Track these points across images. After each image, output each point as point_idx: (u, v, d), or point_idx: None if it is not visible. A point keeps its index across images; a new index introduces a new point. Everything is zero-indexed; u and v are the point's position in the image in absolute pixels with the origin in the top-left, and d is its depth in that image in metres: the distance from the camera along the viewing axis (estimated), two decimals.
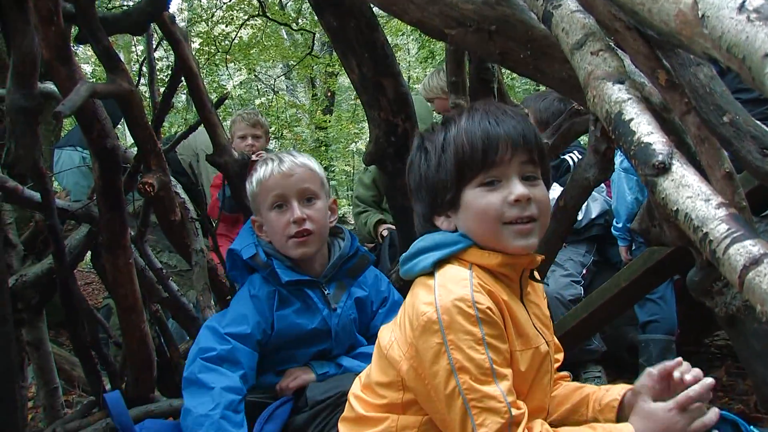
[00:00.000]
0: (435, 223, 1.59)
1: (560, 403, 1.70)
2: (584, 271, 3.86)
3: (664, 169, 1.14)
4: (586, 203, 3.93)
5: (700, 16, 1.10)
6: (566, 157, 4.05)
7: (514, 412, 1.37)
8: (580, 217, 3.95)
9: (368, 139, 2.59)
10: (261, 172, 2.16)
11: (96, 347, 3.05)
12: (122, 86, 2.38)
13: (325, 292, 2.15)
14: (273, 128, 15.67)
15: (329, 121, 15.90)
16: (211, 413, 1.89)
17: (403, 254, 1.61)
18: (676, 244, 1.86)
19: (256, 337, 2.08)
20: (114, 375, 3.11)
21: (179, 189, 2.95)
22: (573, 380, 1.82)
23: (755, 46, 0.98)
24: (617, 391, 1.63)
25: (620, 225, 3.67)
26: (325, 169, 16.48)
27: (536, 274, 1.68)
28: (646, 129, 1.20)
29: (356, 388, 1.65)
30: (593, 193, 3.96)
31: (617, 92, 1.29)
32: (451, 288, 1.45)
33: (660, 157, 1.15)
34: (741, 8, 1.02)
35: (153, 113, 2.83)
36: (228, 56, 13.70)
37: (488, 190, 1.49)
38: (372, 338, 2.14)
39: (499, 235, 1.50)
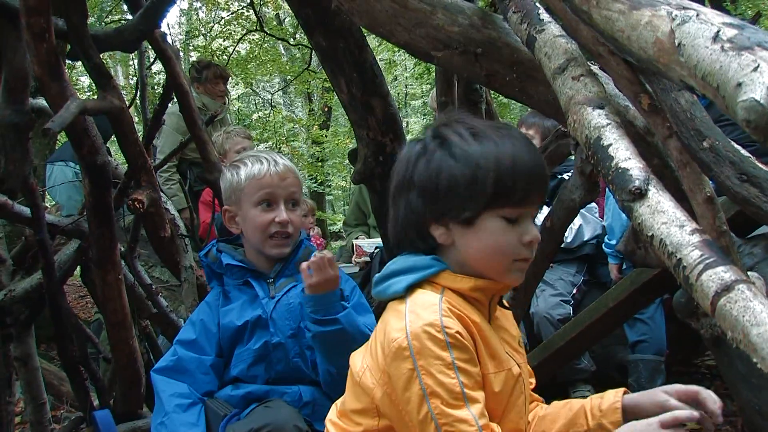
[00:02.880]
0: (429, 229, 1.52)
1: (553, 421, 1.68)
2: (574, 291, 3.87)
3: (641, 194, 1.15)
4: (579, 224, 3.95)
5: (676, 44, 1.12)
6: (565, 176, 4.05)
7: None
8: (570, 238, 3.96)
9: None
10: (254, 168, 2.18)
11: (84, 362, 3.05)
12: (113, 103, 2.40)
13: (272, 285, 2.19)
14: (270, 142, 15.72)
15: (326, 136, 15.93)
16: (164, 420, 2.01)
17: (377, 275, 1.61)
18: (661, 266, 1.87)
19: (203, 341, 2.13)
20: (102, 390, 3.12)
21: (169, 205, 2.96)
22: (562, 399, 1.82)
23: (728, 75, 1.00)
24: (612, 394, 1.59)
25: (613, 242, 3.67)
26: (321, 183, 16.60)
27: (504, 302, 1.67)
28: (623, 154, 1.22)
29: (332, 414, 1.64)
30: (587, 215, 3.98)
31: (597, 117, 1.31)
32: (420, 313, 1.44)
33: (636, 183, 1.16)
34: (715, 38, 1.04)
35: (144, 130, 2.84)
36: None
37: (508, 224, 1.47)
38: None
39: (505, 270, 1.50)
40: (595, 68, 1.73)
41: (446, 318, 1.42)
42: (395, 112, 2.49)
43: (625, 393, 1.59)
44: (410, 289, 1.52)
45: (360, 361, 1.56)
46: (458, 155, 1.45)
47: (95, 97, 2.57)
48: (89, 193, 2.55)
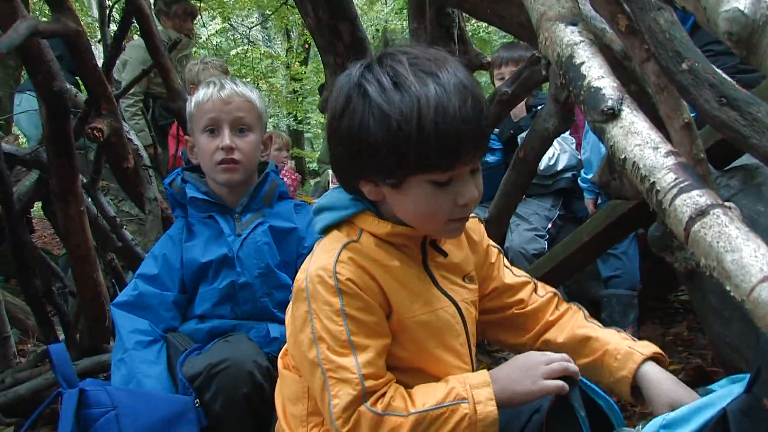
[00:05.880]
0: (359, 185, 1.43)
1: (574, 354, 1.55)
2: (549, 225, 3.81)
3: (613, 115, 1.08)
4: (555, 153, 3.89)
5: None
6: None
7: (368, 384, 1.33)
8: (543, 165, 3.88)
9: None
10: (201, 94, 2.11)
11: (49, 297, 2.99)
12: (68, 26, 2.28)
13: (238, 221, 2.12)
14: (248, 79, 15.47)
15: (305, 73, 15.67)
16: (123, 356, 1.97)
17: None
18: (637, 197, 1.82)
19: (165, 277, 2.08)
20: (68, 325, 3.06)
21: (132, 135, 2.86)
22: None
23: None
24: (629, 365, 1.52)
25: (590, 176, 3.61)
26: (301, 121, 16.43)
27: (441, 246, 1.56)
28: (596, 73, 1.15)
29: (282, 350, 1.63)
30: (563, 144, 3.92)
31: (569, 34, 1.23)
32: (319, 257, 1.41)
33: (609, 103, 1.09)
34: None
35: (105, 56, 2.72)
36: (201, 3, 13.40)
37: (438, 188, 1.35)
38: None
39: (439, 229, 1.44)
40: None
41: (341, 263, 1.39)
42: (363, 36, 2.39)
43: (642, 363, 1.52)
44: (327, 229, 1.49)
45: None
46: (376, 113, 1.30)
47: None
48: (47, 122, 2.44)
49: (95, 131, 2.44)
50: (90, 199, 2.84)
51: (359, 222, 1.46)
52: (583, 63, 1.17)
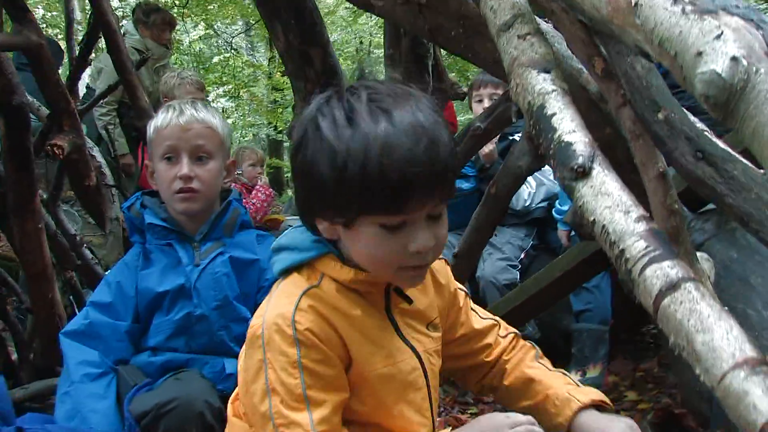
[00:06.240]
0: (315, 222, 1.34)
1: (518, 396, 1.58)
2: (522, 255, 3.77)
3: (584, 173, 1.02)
4: (531, 193, 3.86)
5: (633, 3, 0.99)
6: (516, 137, 3.92)
7: None
8: (528, 202, 3.87)
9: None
10: (160, 119, 2.03)
11: (1, 313, 2.89)
12: (30, 39, 2.20)
13: (197, 250, 2.03)
14: (230, 87, 15.37)
15: (287, 83, 15.60)
16: (69, 390, 1.89)
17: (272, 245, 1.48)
18: None
19: (119, 305, 1.99)
20: (22, 343, 2.96)
21: (96, 152, 2.77)
22: None
23: (688, 42, 0.87)
24: (565, 412, 1.48)
25: (565, 208, 3.57)
26: (281, 131, 16.36)
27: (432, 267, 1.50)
28: (568, 126, 1.09)
29: (234, 393, 1.55)
30: (541, 178, 3.88)
31: (541, 82, 1.17)
32: (277, 303, 1.33)
33: (580, 160, 1.03)
34: None
35: (69, 70, 2.63)
36: (185, 10, 13.31)
37: (388, 232, 1.25)
38: None
39: (392, 276, 1.34)
40: (547, 26, 1.59)
41: (300, 312, 1.30)
42: (335, 63, 2.33)
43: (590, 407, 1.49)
44: (287, 271, 1.40)
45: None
46: (326, 149, 1.22)
47: None
48: (5, 136, 2.37)
49: (55, 147, 2.36)
50: (50, 216, 2.75)
51: (321, 266, 1.37)
52: (554, 114, 1.11)
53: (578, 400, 1.47)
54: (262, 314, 1.34)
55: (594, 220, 0.99)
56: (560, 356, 3.69)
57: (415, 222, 1.25)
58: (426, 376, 1.44)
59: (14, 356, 3.00)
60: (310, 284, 1.35)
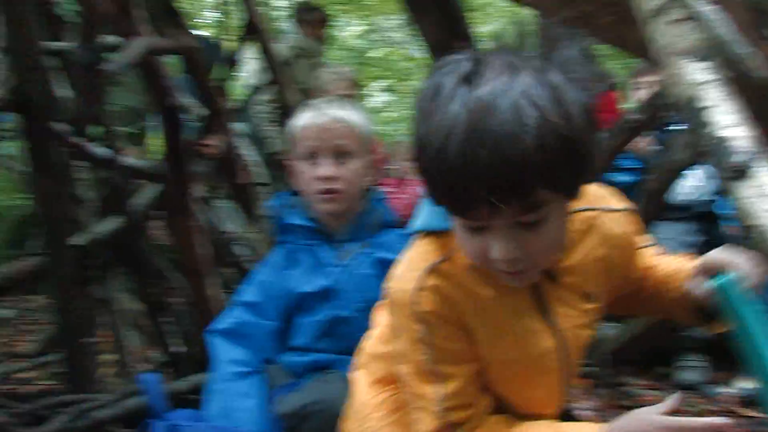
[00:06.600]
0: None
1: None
2: (688, 252, 3.54)
3: (742, 173, 0.91)
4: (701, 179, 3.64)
5: None
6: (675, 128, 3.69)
7: (452, 416, 1.22)
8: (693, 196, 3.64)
9: None
10: (300, 120, 2.02)
11: (164, 305, 3.02)
12: (182, 42, 2.28)
13: (341, 251, 2.01)
14: (388, 82, 15.54)
15: None
16: (219, 387, 1.91)
17: None
18: None
19: (267, 305, 1.99)
20: (186, 336, 3.08)
21: (249, 150, 2.84)
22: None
23: None
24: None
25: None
26: None
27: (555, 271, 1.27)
28: (725, 120, 0.97)
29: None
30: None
31: (696, 72, 1.06)
32: (404, 274, 1.25)
33: (738, 158, 0.92)
34: None
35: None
36: (345, 7, 13.58)
37: (473, 233, 1.11)
38: None
39: (495, 273, 1.18)
40: (707, 9, 1.46)
41: (422, 293, 1.21)
42: None
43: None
44: (419, 233, 1.29)
45: None
46: (420, 128, 1.06)
47: None
48: (164, 137, 2.47)
49: (207, 147, 2.43)
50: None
51: (453, 241, 1.22)
52: (709, 107, 1.00)
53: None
54: (392, 278, 1.28)
55: (754, 224, 0.88)
56: (730, 358, 3.43)
57: (494, 228, 1.08)
58: (563, 356, 1.30)
59: (180, 349, 3.12)
60: (440, 257, 1.24)
